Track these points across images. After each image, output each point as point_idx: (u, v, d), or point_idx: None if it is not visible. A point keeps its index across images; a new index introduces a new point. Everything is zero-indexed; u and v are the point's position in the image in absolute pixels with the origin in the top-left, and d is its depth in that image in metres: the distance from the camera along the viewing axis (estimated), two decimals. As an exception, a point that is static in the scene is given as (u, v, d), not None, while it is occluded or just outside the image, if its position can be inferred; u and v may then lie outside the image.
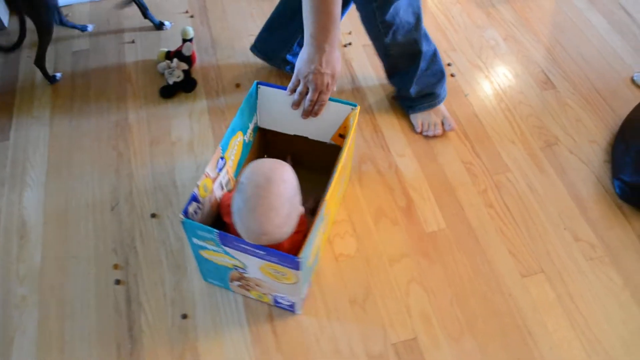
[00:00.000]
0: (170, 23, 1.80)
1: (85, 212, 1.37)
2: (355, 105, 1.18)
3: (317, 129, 1.27)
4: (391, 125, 1.54)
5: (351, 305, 1.22)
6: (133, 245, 1.31)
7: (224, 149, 1.14)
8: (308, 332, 1.17)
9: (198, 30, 1.79)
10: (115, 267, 1.28)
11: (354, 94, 1.62)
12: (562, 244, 1.32)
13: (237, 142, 1.20)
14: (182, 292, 1.24)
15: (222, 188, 1.19)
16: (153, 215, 1.36)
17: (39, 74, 1.65)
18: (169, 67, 1.56)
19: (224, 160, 1.15)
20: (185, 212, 1.01)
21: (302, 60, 1.15)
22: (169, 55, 1.63)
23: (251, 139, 1.29)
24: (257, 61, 1.68)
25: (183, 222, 1.00)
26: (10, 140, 1.52)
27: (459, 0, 1.93)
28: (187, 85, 1.58)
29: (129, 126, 1.54)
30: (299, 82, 1.18)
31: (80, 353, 1.15)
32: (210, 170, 1.10)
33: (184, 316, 1.20)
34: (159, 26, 1.77)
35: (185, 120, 1.56)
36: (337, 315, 1.20)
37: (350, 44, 1.77)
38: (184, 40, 1.62)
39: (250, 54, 1.66)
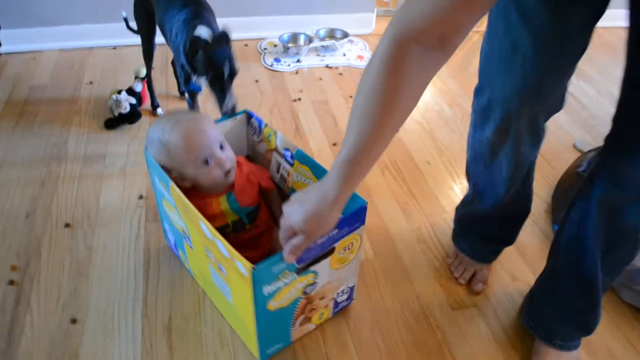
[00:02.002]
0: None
1: (-2, 216, 1.31)
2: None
3: None
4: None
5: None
6: (38, 250, 1.23)
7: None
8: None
9: (157, 79, 1.86)
10: (13, 268, 1.18)
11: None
12: (499, 282, 1.24)
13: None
14: (78, 298, 1.13)
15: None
16: (67, 225, 1.29)
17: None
18: (117, 100, 1.59)
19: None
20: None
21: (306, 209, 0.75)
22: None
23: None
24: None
25: (254, 274, 0.82)
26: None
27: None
28: (131, 117, 1.60)
29: (66, 149, 1.53)
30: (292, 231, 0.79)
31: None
32: None
33: (73, 321, 1.08)
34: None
35: (123, 148, 1.55)
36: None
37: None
38: (136, 78, 1.67)
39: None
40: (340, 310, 1.14)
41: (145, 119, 1.66)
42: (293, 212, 0.76)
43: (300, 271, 0.91)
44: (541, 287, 1.09)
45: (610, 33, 2.16)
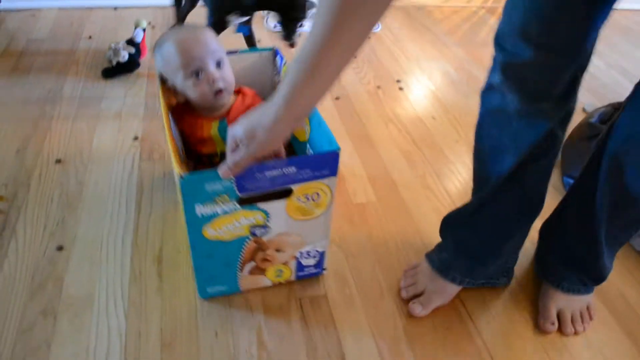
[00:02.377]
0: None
1: (-15, 151, 1.27)
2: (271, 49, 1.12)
3: None
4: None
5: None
6: (27, 182, 1.18)
7: None
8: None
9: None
10: (1, 198, 1.13)
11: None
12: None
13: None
14: (65, 227, 1.08)
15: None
16: (58, 161, 1.24)
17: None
18: (115, 49, 1.55)
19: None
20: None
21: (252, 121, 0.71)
22: (119, 44, 1.63)
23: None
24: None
25: (183, 181, 0.75)
26: None
27: (414, 38, 2.01)
28: (130, 66, 1.56)
29: (61, 94, 1.49)
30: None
31: None
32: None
33: (60, 248, 1.03)
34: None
35: (120, 94, 1.51)
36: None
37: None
38: (136, 28, 1.63)
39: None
40: (307, 277, 1.02)
41: (143, 70, 1.62)
42: (237, 123, 0.72)
43: (243, 203, 0.82)
44: (547, 229, 1.04)
45: (623, 16, 2.14)
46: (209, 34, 1.00)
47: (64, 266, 1.01)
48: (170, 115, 0.95)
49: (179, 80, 0.97)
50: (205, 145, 1.04)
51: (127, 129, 1.37)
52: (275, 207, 0.85)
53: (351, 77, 1.70)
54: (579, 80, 0.80)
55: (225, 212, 0.82)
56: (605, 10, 0.72)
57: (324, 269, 1.02)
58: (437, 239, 1.05)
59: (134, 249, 1.05)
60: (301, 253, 0.96)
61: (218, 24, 1.35)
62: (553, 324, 0.97)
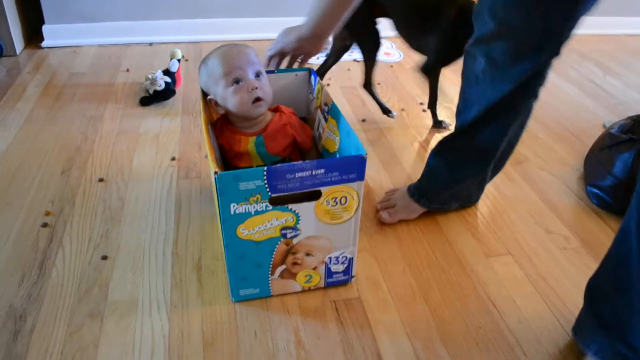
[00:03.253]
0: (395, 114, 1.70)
1: (35, 171, 1.34)
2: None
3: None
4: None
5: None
6: (72, 199, 1.25)
7: None
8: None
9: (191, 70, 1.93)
10: (47, 213, 1.20)
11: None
12: (532, 233, 1.21)
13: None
14: (109, 239, 1.14)
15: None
16: (101, 180, 1.31)
17: (31, 85, 1.76)
18: (152, 79, 1.65)
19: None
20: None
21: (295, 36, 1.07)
22: (155, 75, 1.73)
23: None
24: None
25: (217, 178, 0.81)
26: (-15, 123, 1.56)
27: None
28: (166, 94, 1.65)
29: (102, 120, 1.58)
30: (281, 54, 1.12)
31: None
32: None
33: (104, 257, 1.09)
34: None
35: (157, 120, 1.59)
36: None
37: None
38: (171, 59, 1.73)
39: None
40: (335, 285, 1.05)
41: (178, 98, 1.71)
42: (278, 37, 1.10)
43: (275, 203, 0.87)
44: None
45: (635, 39, 2.18)
46: (250, 48, 1.06)
47: (109, 274, 1.06)
48: (210, 130, 1.01)
49: (220, 89, 1.02)
50: (242, 159, 1.09)
51: (164, 150, 1.44)
52: (305, 209, 0.89)
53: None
54: (548, 63, 1.01)
55: (258, 212, 0.87)
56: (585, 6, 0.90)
57: (352, 277, 1.05)
58: (463, 246, 1.07)
59: (175, 258, 1.10)
60: (330, 259, 0.99)
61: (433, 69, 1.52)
62: None
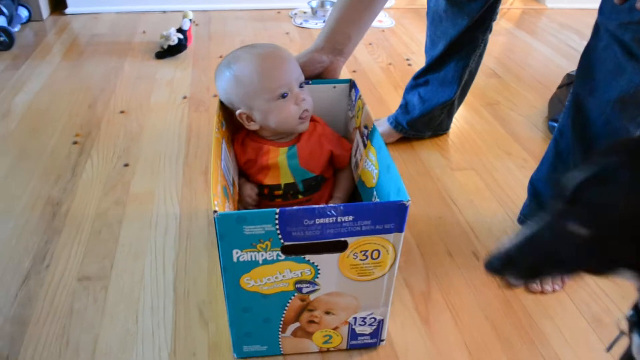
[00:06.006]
0: None
1: (65, 105, 1.55)
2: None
3: None
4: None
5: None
6: (98, 125, 1.46)
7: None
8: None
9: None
10: (77, 135, 1.41)
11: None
12: (495, 155, 1.39)
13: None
14: (130, 152, 1.34)
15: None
16: (122, 112, 1.52)
17: (57, 43, 1.98)
18: (166, 35, 1.85)
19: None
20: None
21: None
22: (169, 34, 1.94)
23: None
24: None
25: (217, 219, 0.66)
26: (19, 71, 1.77)
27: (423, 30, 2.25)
28: (179, 48, 1.85)
29: (122, 69, 1.79)
30: None
31: (20, 180, 1.24)
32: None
33: (126, 165, 1.29)
34: None
35: (171, 70, 1.80)
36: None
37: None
38: (184, 18, 1.93)
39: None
40: (360, 348, 0.88)
41: (189, 53, 1.92)
42: None
43: (288, 252, 0.71)
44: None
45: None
46: (288, 53, 0.92)
47: (130, 176, 1.26)
48: (232, 145, 0.94)
49: (260, 102, 0.88)
50: (267, 174, 0.95)
51: (177, 92, 1.65)
52: (326, 262, 0.73)
53: (366, 57, 1.96)
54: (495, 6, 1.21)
55: (267, 262, 0.72)
56: None
57: (381, 340, 0.88)
58: (432, 162, 1.25)
59: (185, 167, 1.29)
60: (355, 319, 0.83)
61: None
62: None
